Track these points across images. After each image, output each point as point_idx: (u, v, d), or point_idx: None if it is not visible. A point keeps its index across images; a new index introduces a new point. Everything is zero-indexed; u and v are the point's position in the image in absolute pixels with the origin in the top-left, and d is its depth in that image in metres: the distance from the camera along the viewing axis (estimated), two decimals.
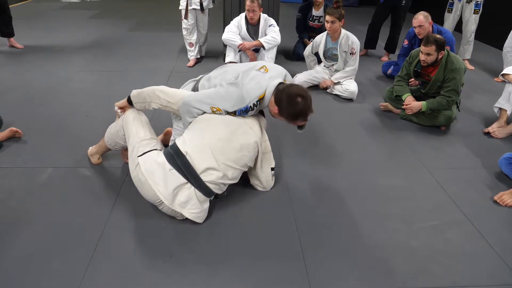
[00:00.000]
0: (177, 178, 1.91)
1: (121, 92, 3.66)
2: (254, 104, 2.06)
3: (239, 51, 4.03)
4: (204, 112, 2.09)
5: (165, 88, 2.20)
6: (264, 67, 2.17)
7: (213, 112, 2.08)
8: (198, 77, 2.43)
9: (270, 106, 2.11)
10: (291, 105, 2.00)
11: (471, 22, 4.77)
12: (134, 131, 2.11)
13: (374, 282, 1.74)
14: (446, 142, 3.03)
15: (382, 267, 1.82)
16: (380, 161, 2.73)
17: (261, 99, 2.08)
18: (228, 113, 2.08)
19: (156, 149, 2.03)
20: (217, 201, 2.16)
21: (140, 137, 2.06)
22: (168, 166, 1.92)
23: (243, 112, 2.09)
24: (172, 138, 2.54)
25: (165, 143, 2.58)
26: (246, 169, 2.13)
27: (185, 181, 1.92)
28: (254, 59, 4.04)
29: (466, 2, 4.73)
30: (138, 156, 1.97)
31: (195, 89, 2.36)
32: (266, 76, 2.12)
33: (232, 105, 2.06)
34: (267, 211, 2.17)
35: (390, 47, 5.12)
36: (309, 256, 1.85)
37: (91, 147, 2.52)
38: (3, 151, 2.61)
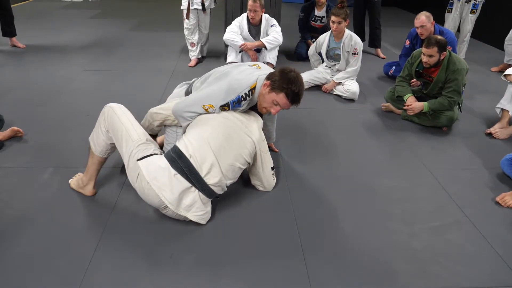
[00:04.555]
0: (182, 183, 1.89)
1: (122, 92, 3.69)
2: (246, 93, 2.08)
3: (240, 52, 4.03)
4: (199, 114, 2.10)
5: (159, 106, 2.35)
6: (257, 65, 2.23)
7: (206, 111, 2.09)
8: (192, 81, 2.44)
9: (261, 90, 2.09)
10: (283, 74, 2.04)
11: (467, 22, 4.83)
12: (125, 134, 1.99)
13: (375, 283, 1.73)
14: (448, 143, 3.03)
15: (383, 268, 1.81)
16: (381, 162, 2.72)
17: (252, 89, 2.09)
18: (222, 107, 2.08)
19: (157, 154, 1.97)
20: (218, 202, 2.15)
21: (135, 140, 1.97)
22: (172, 171, 1.89)
23: (236, 104, 2.10)
24: (165, 143, 2.44)
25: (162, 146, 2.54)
26: (244, 167, 2.12)
27: (190, 185, 1.91)
28: (255, 59, 4.04)
29: (465, 2, 4.75)
30: (138, 160, 1.91)
31: (188, 91, 2.37)
32: (258, 71, 2.17)
33: (223, 97, 2.07)
34: (268, 212, 2.16)
35: (372, 43, 5.32)
36: (310, 257, 1.85)
37: (75, 178, 2.28)
38: (5, 150, 2.61)
